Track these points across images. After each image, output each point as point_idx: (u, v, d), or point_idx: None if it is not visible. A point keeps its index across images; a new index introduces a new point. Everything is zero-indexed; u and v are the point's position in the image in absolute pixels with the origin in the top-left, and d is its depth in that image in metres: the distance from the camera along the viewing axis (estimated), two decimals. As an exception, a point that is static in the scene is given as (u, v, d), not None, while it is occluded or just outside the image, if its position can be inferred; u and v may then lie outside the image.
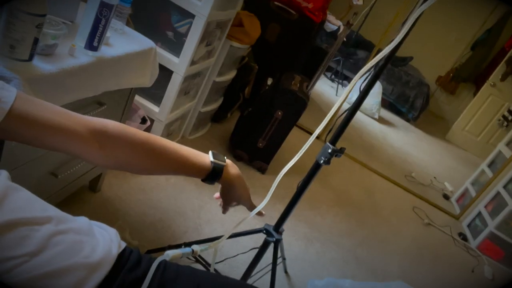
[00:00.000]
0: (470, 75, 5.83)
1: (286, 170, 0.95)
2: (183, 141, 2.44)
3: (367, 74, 1.30)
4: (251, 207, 0.90)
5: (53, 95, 1.02)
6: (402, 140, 4.62)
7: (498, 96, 4.93)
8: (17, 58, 0.90)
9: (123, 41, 1.34)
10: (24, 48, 0.90)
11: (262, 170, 2.53)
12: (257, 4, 2.83)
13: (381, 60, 1.05)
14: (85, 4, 1.15)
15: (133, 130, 0.71)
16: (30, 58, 0.93)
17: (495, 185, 3.11)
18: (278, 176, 0.91)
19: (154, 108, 2.04)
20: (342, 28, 3.22)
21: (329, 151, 1.23)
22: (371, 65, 0.98)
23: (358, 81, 1.14)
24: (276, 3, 2.87)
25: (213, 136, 2.70)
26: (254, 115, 2.49)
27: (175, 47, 1.94)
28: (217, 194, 0.92)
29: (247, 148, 2.51)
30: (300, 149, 0.91)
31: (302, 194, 1.38)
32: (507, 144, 3.44)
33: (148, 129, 2.03)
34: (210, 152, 0.82)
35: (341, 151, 1.25)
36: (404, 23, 1.10)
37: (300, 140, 3.14)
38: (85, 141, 0.65)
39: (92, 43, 1.15)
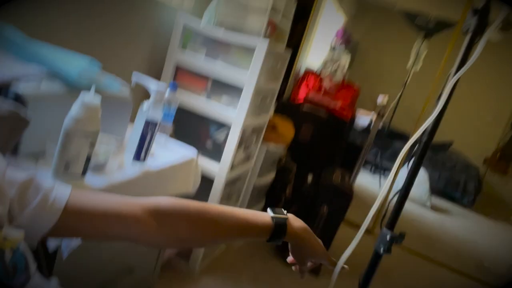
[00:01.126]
0: (518, 152, 5.56)
1: (339, 268, 0.87)
2: (228, 249, 2.36)
3: (411, 155, 1.26)
4: (331, 261, 0.83)
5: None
6: (462, 227, 4.26)
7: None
8: (71, 175, 0.95)
9: (166, 152, 1.41)
10: (78, 166, 0.96)
11: (316, 271, 2.35)
12: (288, 108, 2.99)
13: (423, 135, 1.03)
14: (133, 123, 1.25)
15: (185, 201, 0.70)
16: (83, 173, 0.98)
17: None
18: (334, 273, 0.84)
19: (199, 217, 2.04)
20: (374, 117, 3.28)
21: (388, 237, 1.13)
22: (415, 139, 0.95)
23: (401, 164, 1.10)
24: (306, 104, 3.02)
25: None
26: (299, 214, 2.41)
27: (215, 154, 2.02)
28: (290, 258, 0.86)
29: (296, 251, 2.38)
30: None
31: (365, 292, 1.24)
32: None
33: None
34: (268, 209, 0.79)
35: (401, 236, 1.14)
36: (439, 97, 1.10)
37: (351, 238, 2.96)
38: (143, 222, 0.64)
39: (139, 157, 1.22)
